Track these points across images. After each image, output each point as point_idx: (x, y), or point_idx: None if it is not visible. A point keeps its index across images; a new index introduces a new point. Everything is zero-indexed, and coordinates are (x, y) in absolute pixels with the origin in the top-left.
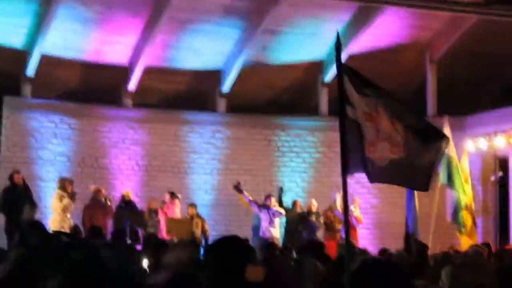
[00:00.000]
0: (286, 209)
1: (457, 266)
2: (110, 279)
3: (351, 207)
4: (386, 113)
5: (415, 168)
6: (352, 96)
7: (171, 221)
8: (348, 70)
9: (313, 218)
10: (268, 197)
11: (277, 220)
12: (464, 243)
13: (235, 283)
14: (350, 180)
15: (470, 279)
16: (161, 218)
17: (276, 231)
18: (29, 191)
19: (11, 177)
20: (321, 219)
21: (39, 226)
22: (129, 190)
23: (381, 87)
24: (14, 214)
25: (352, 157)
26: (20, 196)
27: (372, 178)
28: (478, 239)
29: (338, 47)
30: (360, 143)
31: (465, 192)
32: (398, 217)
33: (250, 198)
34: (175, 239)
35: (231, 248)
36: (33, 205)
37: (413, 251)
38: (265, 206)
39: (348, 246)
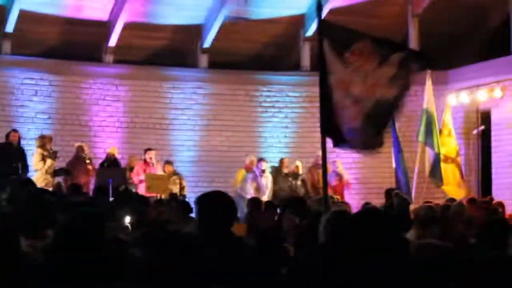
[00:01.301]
0: (272, 167)
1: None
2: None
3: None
4: (374, 57)
5: (371, 130)
6: (331, 61)
7: (150, 178)
8: (330, 28)
9: (299, 182)
10: (260, 160)
11: (263, 181)
12: (453, 194)
13: (221, 237)
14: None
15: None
16: (140, 176)
17: (262, 191)
18: (23, 150)
19: (7, 135)
20: (306, 179)
21: (29, 185)
22: (114, 148)
23: (365, 33)
24: (5, 172)
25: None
26: (13, 155)
27: (337, 142)
28: (468, 191)
29: (319, 8)
30: (333, 109)
31: (444, 145)
32: (382, 172)
33: None
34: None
35: (219, 203)
36: (26, 165)
37: (394, 205)
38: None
39: (325, 200)
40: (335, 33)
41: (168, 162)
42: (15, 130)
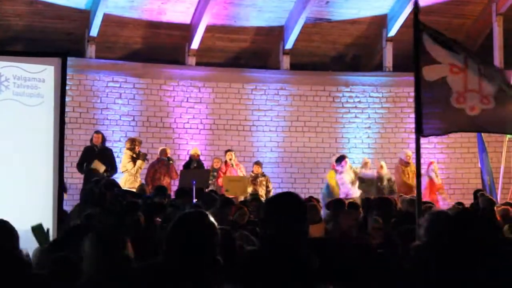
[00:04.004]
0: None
1: None
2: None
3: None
4: (473, 69)
5: (505, 116)
6: (435, 52)
7: (227, 180)
8: (426, 28)
9: (385, 183)
10: (342, 158)
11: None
12: None
13: (289, 238)
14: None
15: None
16: (220, 177)
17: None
18: (109, 151)
19: (91, 138)
20: (392, 182)
21: (113, 187)
22: (196, 149)
23: (463, 45)
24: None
25: (427, 118)
26: (97, 157)
27: (461, 127)
28: None
29: (416, 8)
30: (442, 98)
31: None
32: (467, 173)
33: None
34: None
35: (286, 204)
36: (114, 166)
37: (480, 206)
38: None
39: (419, 200)
40: (434, 34)
41: (257, 163)
42: (97, 132)
